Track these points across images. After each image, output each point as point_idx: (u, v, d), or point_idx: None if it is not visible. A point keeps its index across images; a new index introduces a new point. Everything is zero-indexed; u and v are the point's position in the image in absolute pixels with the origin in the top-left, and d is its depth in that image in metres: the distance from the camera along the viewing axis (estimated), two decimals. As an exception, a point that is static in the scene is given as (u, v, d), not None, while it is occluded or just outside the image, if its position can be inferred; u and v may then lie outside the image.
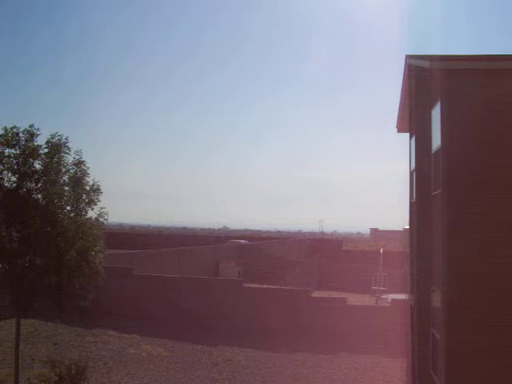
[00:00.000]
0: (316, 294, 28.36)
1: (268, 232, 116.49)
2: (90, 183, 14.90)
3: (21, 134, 14.34)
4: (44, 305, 14.62)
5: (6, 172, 14.24)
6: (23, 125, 14.52)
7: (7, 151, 14.24)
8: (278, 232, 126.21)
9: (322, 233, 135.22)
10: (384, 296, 34.97)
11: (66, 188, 14.61)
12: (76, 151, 14.87)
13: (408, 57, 13.75)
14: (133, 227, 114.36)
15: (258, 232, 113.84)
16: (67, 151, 14.72)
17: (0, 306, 15.57)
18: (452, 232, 10.58)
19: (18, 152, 14.25)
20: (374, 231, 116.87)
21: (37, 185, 14.34)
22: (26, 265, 14.21)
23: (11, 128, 14.34)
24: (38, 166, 14.38)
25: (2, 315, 21.63)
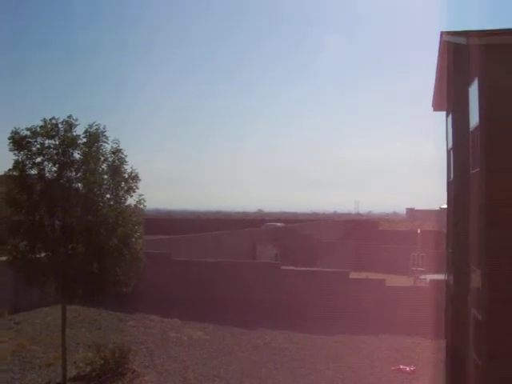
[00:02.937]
0: (353, 275, 28.27)
1: (303, 214, 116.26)
2: (129, 171, 15.14)
3: (60, 125, 14.64)
4: (87, 291, 14.98)
5: (46, 163, 14.59)
6: (60, 116, 14.84)
7: (47, 142, 14.57)
8: (314, 214, 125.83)
9: (358, 213, 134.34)
10: (422, 276, 34.69)
11: (105, 176, 14.88)
12: (113, 140, 15.12)
13: (444, 33, 13.51)
14: (169, 212, 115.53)
15: (294, 214, 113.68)
16: (105, 140, 14.97)
17: (46, 293, 16.00)
18: (491, 211, 10.46)
19: (57, 142, 14.57)
20: (410, 211, 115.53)
21: (77, 174, 14.65)
22: (69, 253, 14.59)
23: (50, 119, 14.65)
24: (77, 155, 14.69)
25: (47, 302, 22.26)
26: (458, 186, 13.96)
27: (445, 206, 17.93)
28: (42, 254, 14.66)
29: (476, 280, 11.78)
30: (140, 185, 15.35)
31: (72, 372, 16.41)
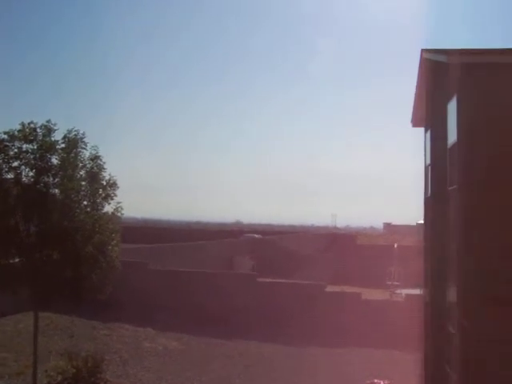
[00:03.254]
0: (330, 288, 28.38)
1: (281, 226, 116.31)
2: (107, 178, 15.04)
3: (38, 130, 14.50)
4: (61, 298, 14.79)
5: (23, 167, 14.42)
6: (36, 117, 14.71)
7: (25, 146, 14.41)
8: (291, 226, 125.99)
9: (335, 227, 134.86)
10: (398, 291, 34.90)
11: (83, 183, 14.76)
12: (92, 146, 15.03)
13: (423, 51, 13.68)
14: (146, 221, 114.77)
15: (271, 226, 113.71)
16: (84, 146, 14.87)
17: (18, 299, 15.75)
18: (468, 228, 10.56)
19: (35, 147, 14.41)
20: (387, 226, 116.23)
21: (54, 180, 14.50)
22: (44, 259, 14.40)
23: (28, 123, 14.50)
24: (55, 161, 14.56)
25: (20, 308, 21.90)
26: (435, 202, 14.08)
27: (421, 222, 18.06)
28: (16, 260, 14.45)
29: (451, 295, 11.88)
30: (119, 192, 15.28)
31: (43, 381, 16.12)
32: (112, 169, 15.33)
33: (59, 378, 16.44)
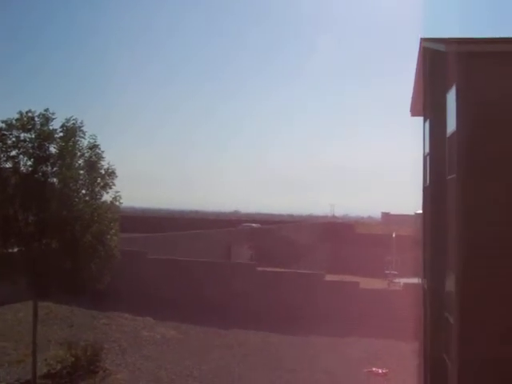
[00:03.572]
0: (329, 277, 28.43)
1: (280, 216, 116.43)
2: (105, 167, 15.01)
3: (36, 119, 14.46)
4: (60, 288, 14.80)
5: (21, 156, 14.38)
6: (38, 109, 14.64)
7: (23, 135, 14.36)
8: (290, 216, 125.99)
9: (334, 216, 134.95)
10: (396, 280, 35.01)
11: (81, 172, 14.73)
12: (91, 135, 14.99)
13: (423, 40, 13.62)
14: (145, 210, 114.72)
15: (270, 215, 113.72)
16: (82, 135, 14.83)
17: (17, 289, 15.77)
18: (466, 216, 10.56)
19: (33, 136, 14.37)
20: (385, 215, 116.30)
21: (52, 169, 14.47)
22: (43, 248, 14.39)
23: (26, 112, 14.45)
24: (53, 149, 14.52)
25: (18, 298, 21.93)
26: (433, 192, 14.08)
27: (420, 211, 18.08)
28: (15, 249, 14.44)
29: (450, 284, 11.90)
30: (117, 181, 15.26)
31: (42, 369, 16.20)
32: (111, 158, 15.32)
33: (58, 366, 16.53)
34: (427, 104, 15.36)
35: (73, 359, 16.63)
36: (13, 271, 14.30)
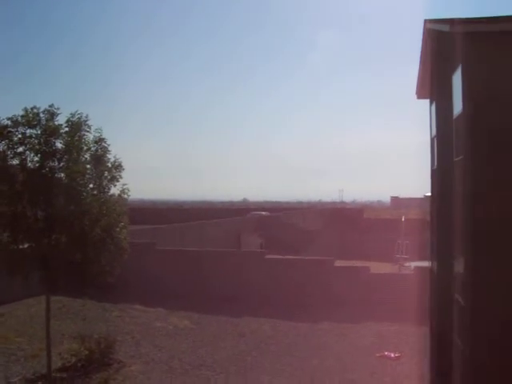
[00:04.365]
0: (339, 263, 28.41)
1: (288, 203, 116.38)
2: (112, 160, 15.02)
3: (41, 114, 14.47)
4: (71, 281, 14.89)
5: (28, 152, 14.41)
6: (42, 104, 14.66)
7: (28, 132, 14.39)
8: (299, 202, 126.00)
9: (342, 202, 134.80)
10: (407, 264, 34.93)
11: (88, 166, 14.76)
12: (96, 129, 15.00)
13: (427, 21, 13.48)
14: (153, 202, 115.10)
15: (279, 203, 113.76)
16: (88, 129, 14.84)
17: (28, 284, 15.87)
18: (474, 198, 10.51)
19: (39, 132, 14.39)
20: (395, 199, 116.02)
21: (59, 164, 14.50)
22: (52, 243, 14.45)
23: (31, 108, 14.46)
24: (59, 145, 14.54)
25: (29, 293, 22.08)
26: (441, 174, 14.00)
27: (429, 194, 17.99)
28: (25, 245, 14.51)
29: (459, 267, 11.86)
30: (124, 174, 15.27)
31: (57, 363, 16.33)
32: (118, 152, 15.32)
33: (73, 359, 16.68)
34: (433, 86, 15.24)
35: (87, 352, 16.76)
36: (24, 267, 14.39)
